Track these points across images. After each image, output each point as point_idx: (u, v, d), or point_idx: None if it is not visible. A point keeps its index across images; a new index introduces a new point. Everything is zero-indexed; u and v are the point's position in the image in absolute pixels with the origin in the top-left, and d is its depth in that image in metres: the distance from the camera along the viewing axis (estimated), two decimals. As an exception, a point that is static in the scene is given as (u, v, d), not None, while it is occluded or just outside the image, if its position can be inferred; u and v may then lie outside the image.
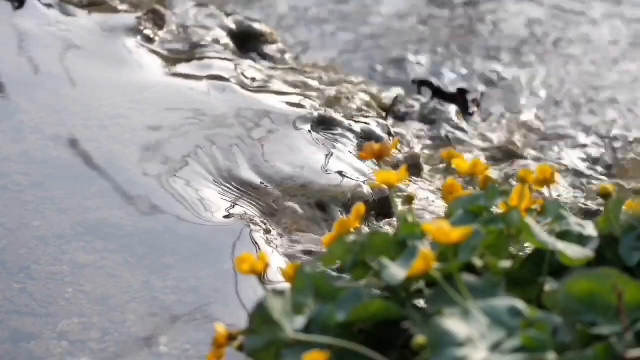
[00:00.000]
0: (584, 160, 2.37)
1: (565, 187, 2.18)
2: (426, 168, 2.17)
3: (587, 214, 1.98)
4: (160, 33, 2.47)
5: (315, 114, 2.16)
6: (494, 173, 2.15)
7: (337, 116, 2.18)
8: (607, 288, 1.03)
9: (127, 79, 2.24)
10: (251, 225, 1.79)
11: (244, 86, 2.27)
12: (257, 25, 2.63)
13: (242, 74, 2.33)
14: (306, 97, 2.28)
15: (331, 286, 1.13)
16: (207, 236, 1.76)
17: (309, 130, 2.12)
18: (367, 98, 2.40)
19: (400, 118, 2.45)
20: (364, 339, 1.09)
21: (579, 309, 1.03)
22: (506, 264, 1.16)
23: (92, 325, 1.55)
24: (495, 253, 1.17)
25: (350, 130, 2.15)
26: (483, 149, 2.33)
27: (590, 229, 1.20)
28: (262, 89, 2.29)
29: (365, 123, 2.20)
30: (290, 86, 2.35)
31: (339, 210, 1.89)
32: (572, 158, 2.37)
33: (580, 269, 1.10)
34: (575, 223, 1.21)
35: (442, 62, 3.12)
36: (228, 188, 1.91)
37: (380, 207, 1.90)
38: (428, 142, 2.34)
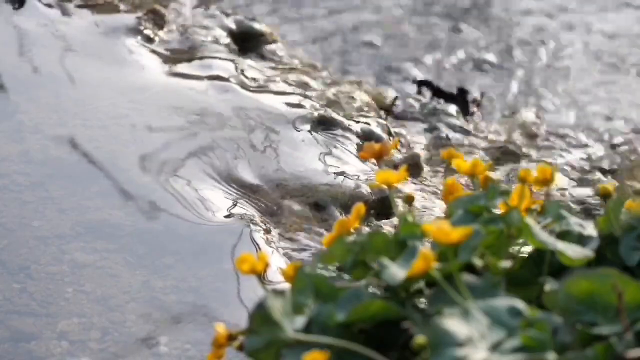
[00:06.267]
0: (584, 159, 2.37)
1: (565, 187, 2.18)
2: (426, 168, 2.17)
3: (588, 214, 1.97)
4: (160, 33, 2.47)
5: (315, 114, 2.16)
6: (494, 173, 2.15)
7: (337, 116, 2.17)
8: (607, 288, 1.02)
9: (127, 79, 2.24)
10: (251, 225, 1.78)
11: (244, 86, 2.27)
12: (257, 25, 2.62)
13: (242, 74, 2.33)
14: (306, 97, 2.28)
15: (331, 286, 1.13)
16: (207, 236, 1.76)
17: (309, 131, 2.11)
18: (367, 98, 2.40)
19: (400, 118, 2.45)
20: (364, 339, 1.09)
21: (579, 309, 1.03)
22: (506, 264, 1.16)
23: (92, 325, 1.55)
24: (495, 253, 1.17)
25: (350, 130, 2.15)
26: (483, 149, 2.33)
27: (590, 229, 1.20)
28: (262, 89, 2.29)
29: (365, 123, 2.20)
30: (290, 86, 2.35)
31: (339, 211, 1.89)
32: (573, 158, 2.37)
33: (580, 269, 1.10)
34: (575, 223, 1.20)
35: (442, 62, 3.12)
36: (228, 188, 1.91)
37: (380, 207, 1.90)
38: (428, 142, 2.34)
